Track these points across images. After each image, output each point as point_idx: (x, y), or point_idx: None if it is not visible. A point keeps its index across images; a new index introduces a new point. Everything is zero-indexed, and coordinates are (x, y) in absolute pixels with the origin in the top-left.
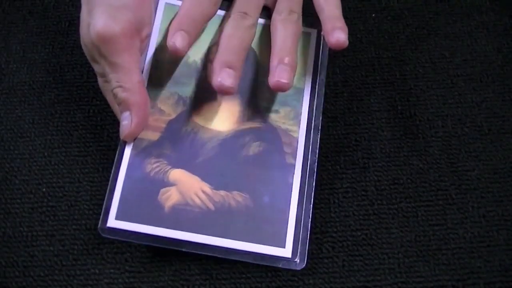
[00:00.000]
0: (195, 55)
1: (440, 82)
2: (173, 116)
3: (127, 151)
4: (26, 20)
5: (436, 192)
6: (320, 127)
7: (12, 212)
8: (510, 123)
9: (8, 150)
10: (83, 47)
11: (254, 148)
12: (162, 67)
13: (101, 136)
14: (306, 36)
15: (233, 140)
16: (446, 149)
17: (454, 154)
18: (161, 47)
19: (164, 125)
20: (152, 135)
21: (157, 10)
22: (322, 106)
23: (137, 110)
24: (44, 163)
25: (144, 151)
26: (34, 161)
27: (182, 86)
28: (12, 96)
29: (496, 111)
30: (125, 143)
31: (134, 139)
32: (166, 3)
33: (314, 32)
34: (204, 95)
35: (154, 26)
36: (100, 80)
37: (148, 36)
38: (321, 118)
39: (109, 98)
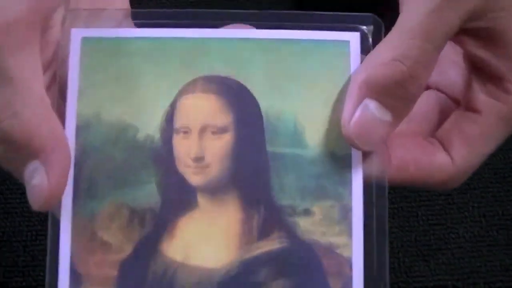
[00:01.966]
0: (148, 126)
1: None
2: (128, 251)
3: None
4: None
5: (436, 192)
6: (387, 229)
7: (12, 212)
8: None
9: None
10: None
11: None
12: (95, 153)
13: None
14: (340, 46)
15: (238, 281)
16: None
17: None
18: (87, 122)
19: (115, 272)
20: None
21: (71, 49)
22: (386, 182)
23: (51, 152)
24: None
25: None
26: None
27: (134, 188)
28: None
29: None
30: None
31: (55, 205)
32: (84, 38)
33: (355, 37)
34: (176, 198)
35: (70, 72)
36: None
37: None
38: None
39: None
